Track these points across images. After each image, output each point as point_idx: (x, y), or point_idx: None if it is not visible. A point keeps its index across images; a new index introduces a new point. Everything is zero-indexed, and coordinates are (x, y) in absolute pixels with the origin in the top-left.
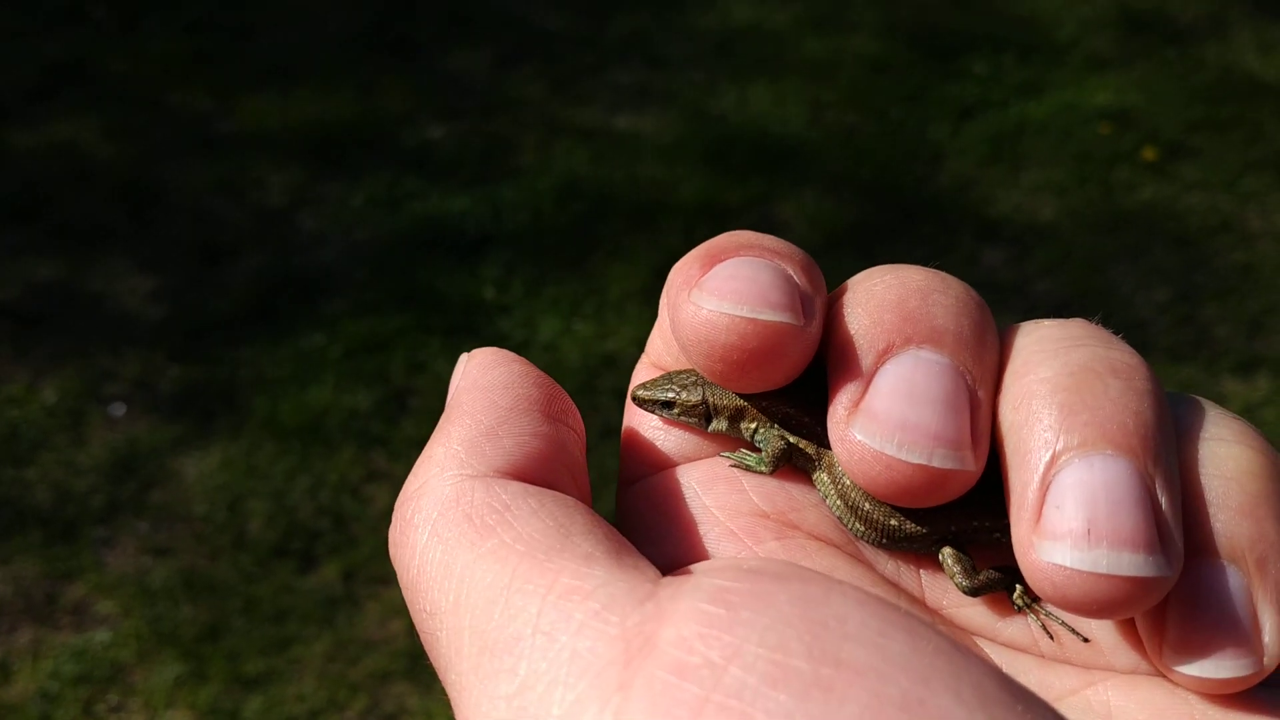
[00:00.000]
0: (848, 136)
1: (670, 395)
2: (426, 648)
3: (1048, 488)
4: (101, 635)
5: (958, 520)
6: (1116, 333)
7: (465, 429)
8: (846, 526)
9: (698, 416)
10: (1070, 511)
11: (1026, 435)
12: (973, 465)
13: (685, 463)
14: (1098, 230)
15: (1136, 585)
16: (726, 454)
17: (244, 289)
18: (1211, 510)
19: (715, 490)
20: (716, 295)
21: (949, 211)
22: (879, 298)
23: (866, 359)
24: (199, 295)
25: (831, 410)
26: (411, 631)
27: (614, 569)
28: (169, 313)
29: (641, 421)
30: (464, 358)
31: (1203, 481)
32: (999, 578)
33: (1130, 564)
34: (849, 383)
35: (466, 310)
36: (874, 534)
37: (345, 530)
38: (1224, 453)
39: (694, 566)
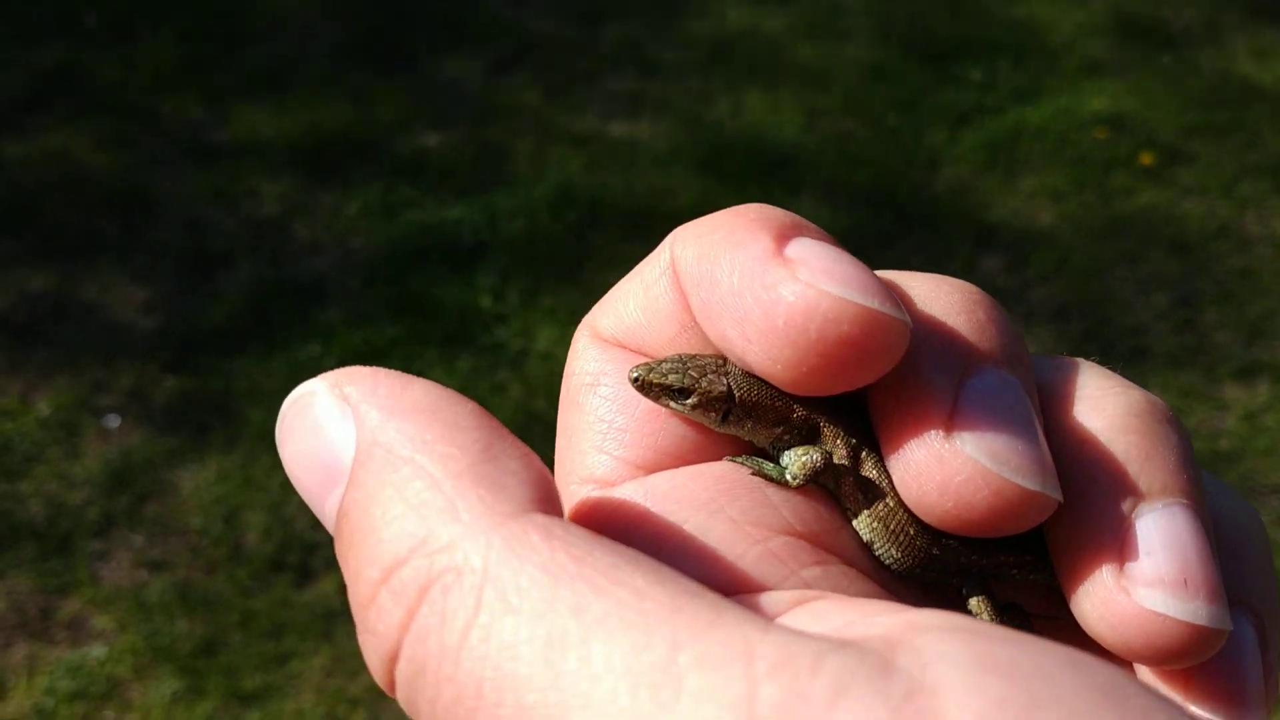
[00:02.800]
0: (843, 143)
1: (688, 382)
2: None
3: (1128, 532)
4: (97, 650)
5: (990, 554)
6: (1116, 339)
7: (448, 461)
8: (877, 551)
9: (716, 411)
10: (1162, 560)
11: (1099, 474)
12: (1060, 495)
13: (676, 465)
14: (1095, 236)
15: (1215, 637)
16: (739, 459)
17: (238, 299)
18: (1234, 564)
19: (740, 502)
20: (839, 280)
21: (946, 218)
22: (944, 305)
23: (948, 371)
24: (192, 305)
25: (912, 418)
26: None
27: (799, 635)
28: (162, 323)
29: (600, 411)
30: (321, 391)
31: (1219, 533)
32: (1017, 619)
33: (1218, 617)
34: (935, 392)
35: (462, 319)
36: (908, 562)
37: None
38: (1236, 506)
39: (856, 619)
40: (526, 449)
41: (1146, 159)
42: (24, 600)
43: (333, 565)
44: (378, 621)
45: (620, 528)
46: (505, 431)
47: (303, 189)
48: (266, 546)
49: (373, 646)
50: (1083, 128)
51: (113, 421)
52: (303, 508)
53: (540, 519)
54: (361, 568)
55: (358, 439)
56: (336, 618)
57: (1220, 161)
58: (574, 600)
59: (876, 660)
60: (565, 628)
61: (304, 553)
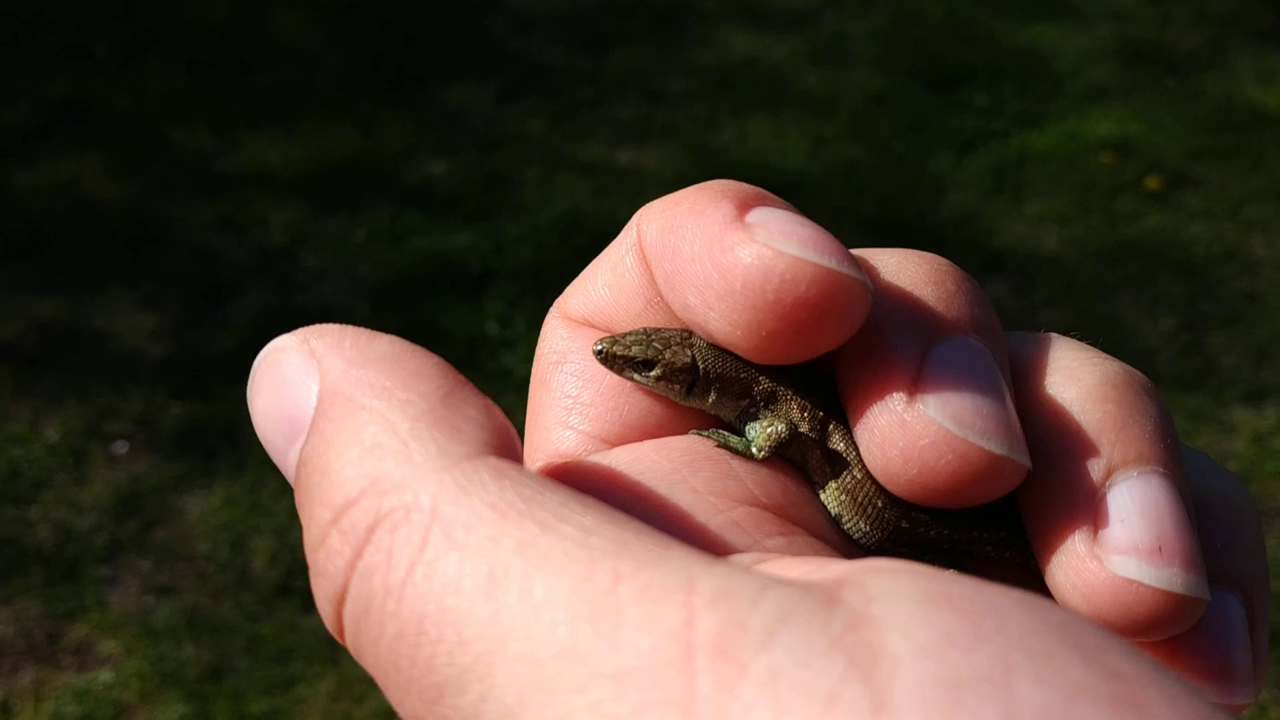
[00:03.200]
0: (849, 169)
1: (652, 354)
2: (430, 700)
3: (1102, 500)
4: (104, 675)
5: (961, 529)
6: (1123, 362)
7: (406, 406)
8: (845, 525)
9: (680, 383)
10: (1137, 527)
11: (1073, 442)
12: (1028, 461)
13: (641, 439)
14: (1102, 259)
15: (1194, 606)
16: (704, 432)
17: (246, 326)
18: (1223, 541)
19: (703, 474)
20: (796, 241)
21: (952, 243)
22: (911, 276)
23: (914, 338)
24: (201, 333)
25: (876, 385)
26: None
27: (741, 570)
28: (171, 350)
29: (566, 387)
30: (291, 347)
31: (1208, 509)
32: None
33: (1195, 585)
34: (899, 358)
35: (469, 345)
36: (877, 535)
37: None
38: (1228, 484)
39: (801, 565)
40: (490, 401)
41: (1152, 183)
42: (31, 625)
43: None
44: (326, 562)
45: (583, 489)
46: (468, 383)
47: (311, 217)
48: (273, 572)
49: (322, 588)
50: (1088, 152)
51: (121, 448)
52: None
53: (494, 461)
54: (315, 510)
55: (320, 389)
56: None
57: (1226, 185)
58: (520, 536)
59: (820, 595)
60: (509, 563)
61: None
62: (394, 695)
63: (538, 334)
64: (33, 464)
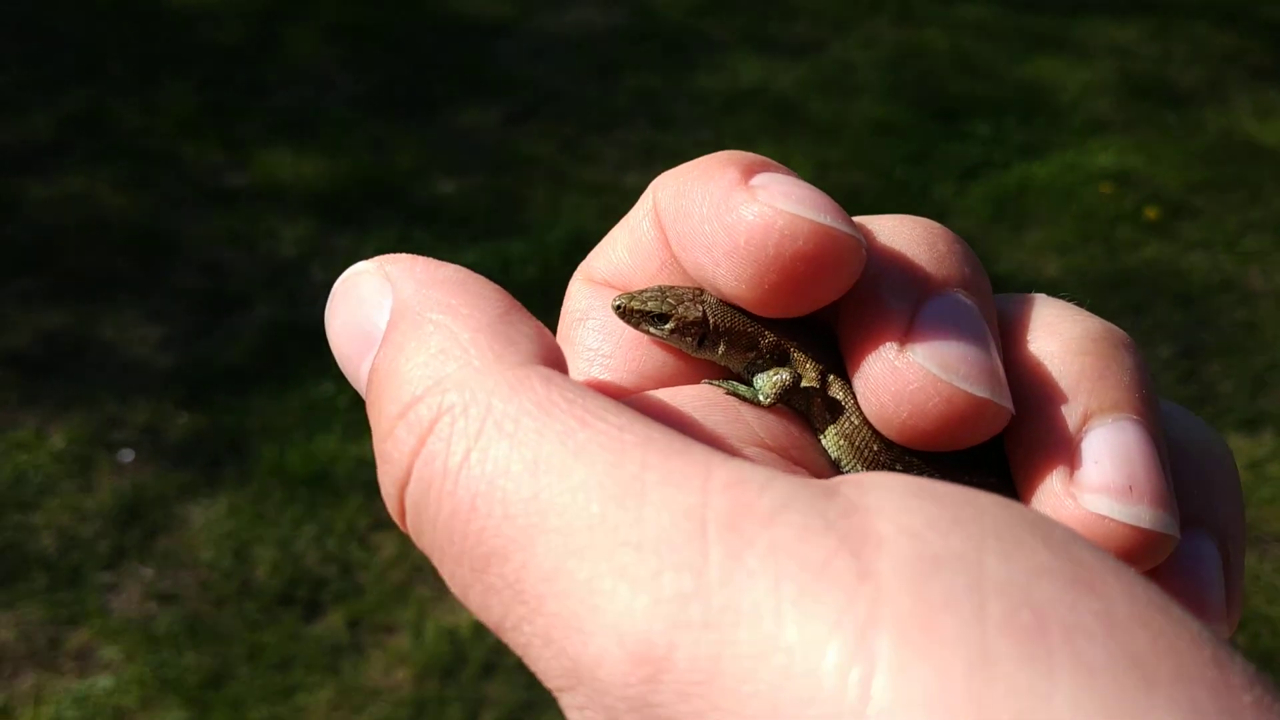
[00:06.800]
0: (853, 195)
1: (666, 309)
2: (479, 569)
3: (1079, 443)
4: (104, 681)
5: (951, 473)
6: None
7: (468, 320)
8: (843, 468)
9: (692, 336)
10: (1109, 468)
11: (1053, 391)
12: (1011, 405)
13: (656, 388)
14: (1101, 288)
15: (1162, 541)
16: (715, 381)
17: (253, 339)
18: (1201, 488)
19: (713, 417)
20: (795, 200)
21: None
22: (906, 236)
23: (906, 294)
24: (208, 345)
25: (871, 336)
26: (418, 680)
27: (752, 464)
28: (178, 361)
29: (587, 340)
30: (368, 271)
31: (1187, 458)
32: None
33: (1162, 522)
34: (893, 312)
35: None
36: None
37: (351, 578)
38: (1208, 436)
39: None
40: (541, 324)
41: (1151, 213)
42: (33, 630)
43: (340, 600)
44: (393, 450)
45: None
46: (523, 308)
47: (320, 233)
48: (275, 581)
49: (388, 473)
50: (1088, 182)
51: (126, 456)
52: (312, 543)
53: (543, 369)
54: (384, 407)
55: (393, 306)
56: (343, 652)
57: (1224, 217)
58: (561, 429)
59: (821, 488)
60: (551, 451)
61: (313, 588)
62: (447, 568)
63: None
64: (38, 470)
